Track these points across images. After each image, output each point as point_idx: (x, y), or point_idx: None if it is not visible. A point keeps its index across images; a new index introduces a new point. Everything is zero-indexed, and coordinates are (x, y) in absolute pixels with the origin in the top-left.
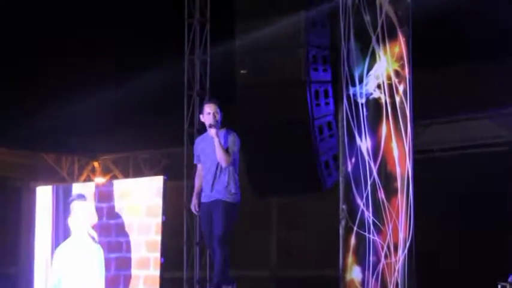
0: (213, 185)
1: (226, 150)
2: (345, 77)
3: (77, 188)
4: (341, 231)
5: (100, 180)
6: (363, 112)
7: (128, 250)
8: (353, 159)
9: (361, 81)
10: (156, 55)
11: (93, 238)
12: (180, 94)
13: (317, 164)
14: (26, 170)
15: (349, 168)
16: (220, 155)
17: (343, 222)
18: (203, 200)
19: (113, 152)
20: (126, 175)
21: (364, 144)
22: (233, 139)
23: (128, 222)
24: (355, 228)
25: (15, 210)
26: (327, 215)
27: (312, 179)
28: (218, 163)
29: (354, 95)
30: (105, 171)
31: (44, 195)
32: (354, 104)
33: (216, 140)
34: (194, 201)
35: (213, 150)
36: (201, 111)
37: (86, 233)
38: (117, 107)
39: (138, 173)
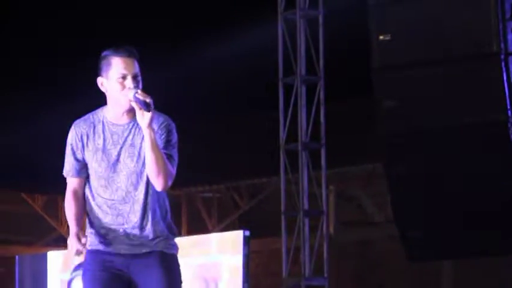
0: (140, 220)
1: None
2: None
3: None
4: None
5: None
6: None
7: None
8: None
9: None
10: (228, 14)
11: None
12: (267, 81)
13: None
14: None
15: None
16: (158, 168)
17: None
18: (95, 246)
19: None
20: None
21: None
22: (168, 130)
23: None
24: None
25: None
26: None
27: None
28: (146, 181)
29: None
30: None
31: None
32: None
33: (148, 136)
34: (74, 233)
35: (129, 153)
36: (100, 71)
37: None
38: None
39: (197, 224)
